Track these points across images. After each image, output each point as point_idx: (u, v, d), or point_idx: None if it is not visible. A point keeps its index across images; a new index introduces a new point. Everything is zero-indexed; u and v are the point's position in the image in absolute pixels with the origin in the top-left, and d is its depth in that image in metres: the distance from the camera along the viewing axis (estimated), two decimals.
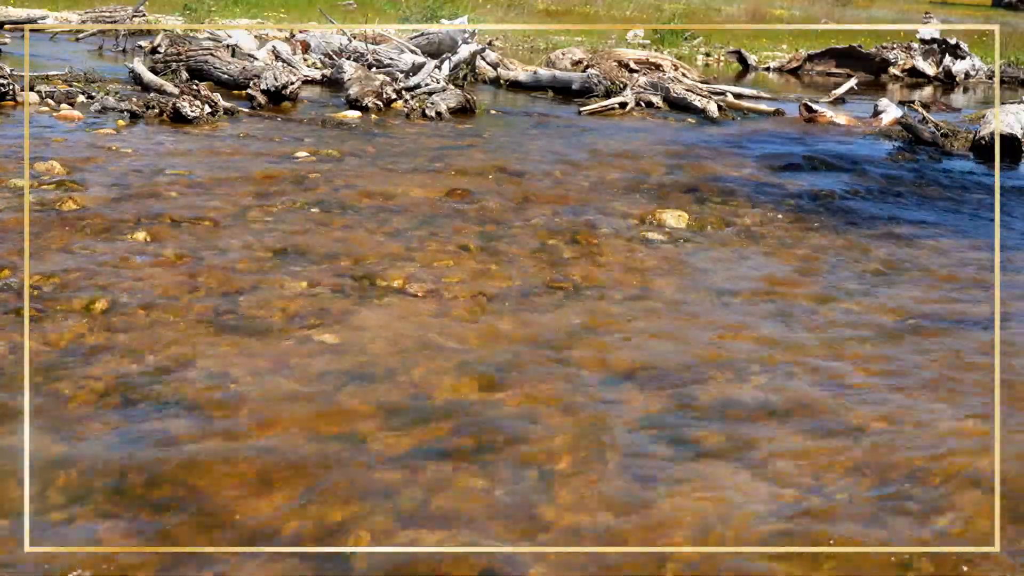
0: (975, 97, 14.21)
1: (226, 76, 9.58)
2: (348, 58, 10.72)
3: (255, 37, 11.82)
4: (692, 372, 3.65)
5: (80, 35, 13.46)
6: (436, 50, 11.69)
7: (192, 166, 6.23)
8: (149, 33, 12.86)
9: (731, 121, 9.85)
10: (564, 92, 10.94)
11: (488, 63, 11.97)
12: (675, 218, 5.76)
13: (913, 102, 11.05)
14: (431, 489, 2.79)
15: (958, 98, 13.87)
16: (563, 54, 13.16)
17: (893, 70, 15.58)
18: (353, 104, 8.88)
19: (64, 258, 4.41)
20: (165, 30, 12.29)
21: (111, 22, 13.63)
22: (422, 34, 12.36)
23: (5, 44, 11.43)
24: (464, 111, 9.22)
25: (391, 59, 10.98)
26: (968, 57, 15.71)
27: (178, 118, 7.66)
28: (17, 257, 4.32)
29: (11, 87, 7.91)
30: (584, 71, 11.41)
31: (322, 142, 7.37)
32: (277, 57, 10.50)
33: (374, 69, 10.36)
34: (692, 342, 3.96)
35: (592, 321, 4.13)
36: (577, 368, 3.65)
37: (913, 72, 15.62)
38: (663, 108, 10.25)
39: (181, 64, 9.77)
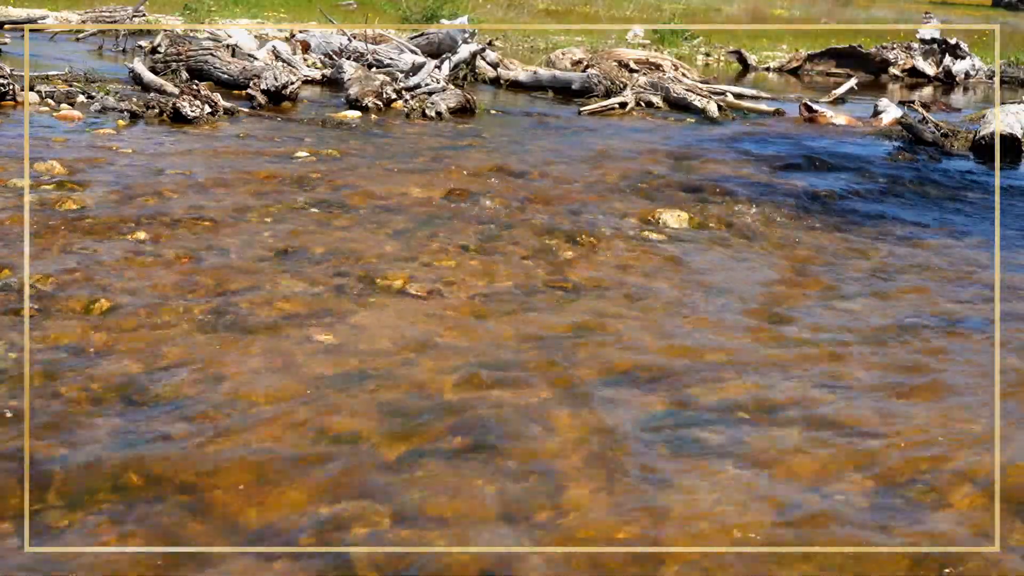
0: (975, 97, 14.21)
1: (226, 76, 9.58)
2: (348, 58, 10.72)
3: (255, 37, 11.82)
4: (693, 372, 3.65)
5: (80, 35, 13.46)
6: (436, 50, 11.70)
7: (192, 166, 6.23)
8: (149, 33, 12.86)
9: (731, 121, 9.85)
10: (564, 92, 10.95)
11: (488, 63, 11.97)
12: (675, 218, 5.76)
13: (913, 102, 11.06)
14: (431, 489, 2.79)
15: (958, 98, 13.87)
16: (563, 54, 13.17)
17: (893, 70, 15.58)
18: (353, 104, 8.88)
19: (64, 258, 4.40)
20: (165, 30, 12.29)
21: (111, 22, 13.64)
22: (422, 34, 12.37)
23: (5, 44, 11.43)
24: (464, 111, 9.22)
25: (391, 59, 10.99)
26: (968, 57, 15.71)
27: (178, 118, 7.66)
28: (17, 257, 4.32)
29: (11, 87, 7.90)
30: (584, 71, 11.41)
31: (322, 142, 7.36)
32: (277, 57, 10.50)
33: (374, 69, 10.37)
34: (693, 342, 3.96)
35: (592, 321, 4.13)
36: (577, 368, 3.65)
37: (913, 72, 15.62)
38: (663, 108, 10.25)
39: (181, 64, 9.76)
